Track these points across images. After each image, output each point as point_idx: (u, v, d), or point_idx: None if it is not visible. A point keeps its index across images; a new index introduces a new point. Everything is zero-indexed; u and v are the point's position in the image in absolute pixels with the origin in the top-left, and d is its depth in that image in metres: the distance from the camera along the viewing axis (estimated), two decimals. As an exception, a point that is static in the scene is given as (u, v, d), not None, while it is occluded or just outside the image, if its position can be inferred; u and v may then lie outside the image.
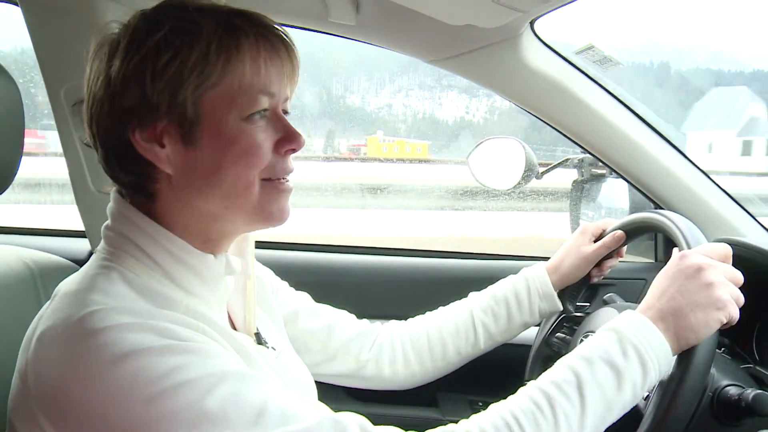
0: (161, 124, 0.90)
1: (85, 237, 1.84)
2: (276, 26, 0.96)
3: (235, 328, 1.07)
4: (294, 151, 0.97)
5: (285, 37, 0.96)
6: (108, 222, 0.97)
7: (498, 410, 0.93)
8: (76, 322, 0.82)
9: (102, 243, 0.96)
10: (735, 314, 1.00)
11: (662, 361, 0.98)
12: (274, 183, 0.96)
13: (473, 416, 0.93)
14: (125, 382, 0.79)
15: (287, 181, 0.98)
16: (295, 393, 0.96)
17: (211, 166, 0.91)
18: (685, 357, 0.99)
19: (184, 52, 0.88)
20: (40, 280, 1.36)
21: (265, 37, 0.93)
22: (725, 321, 1.00)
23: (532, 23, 1.47)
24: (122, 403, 0.78)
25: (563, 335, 1.43)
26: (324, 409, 0.89)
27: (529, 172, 1.81)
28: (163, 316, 0.86)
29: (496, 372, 1.44)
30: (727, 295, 1.00)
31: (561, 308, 1.40)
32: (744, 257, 1.15)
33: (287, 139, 0.96)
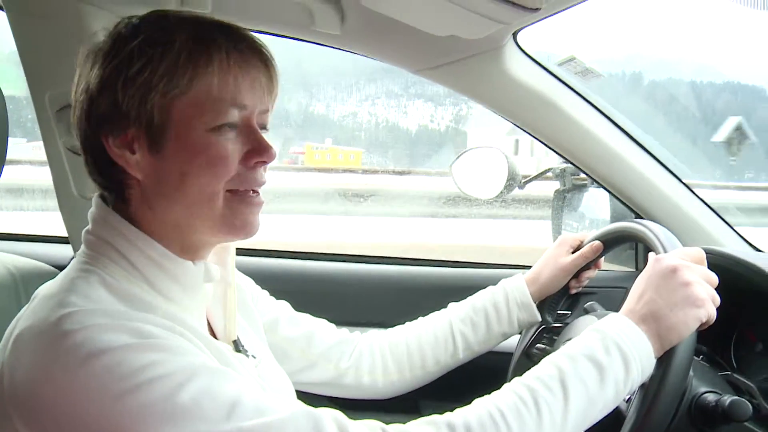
0: (132, 132, 0.92)
1: (68, 243, 1.83)
2: (255, 39, 0.97)
3: (215, 337, 1.07)
4: (264, 163, 0.98)
5: (263, 50, 0.97)
6: (89, 226, 0.98)
7: (483, 404, 0.94)
8: (53, 323, 0.83)
9: (83, 247, 0.97)
10: (713, 312, 1.02)
11: (644, 360, 0.99)
12: (239, 195, 0.97)
13: (458, 409, 0.94)
14: (98, 378, 0.79)
15: (256, 194, 0.99)
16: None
17: (177, 175, 0.93)
18: (665, 357, 1.01)
19: (155, 60, 0.90)
20: (22, 286, 1.36)
21: (238, 50, 0.94)
22: (704, 319, 1.01)
23: (515, 35, 1.48)
24: (95, 400, 0.79)
25: (543, 346, 1.44)
26: (299, 403, 0.90)
27: (512, 182, 1.83)
28: (140, 318, 0.86)
29: (479, 380, 1.44)
30: (704, 293, 1.02)
31: (540, 319, 1.41)
32: (722, 266, 1.16)
33: (256, 152, 0.96)
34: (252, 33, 0.98)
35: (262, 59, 0.97)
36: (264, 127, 1.00)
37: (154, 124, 0.91)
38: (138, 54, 0.90)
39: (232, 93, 0.93)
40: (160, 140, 0.92)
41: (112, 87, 0.91)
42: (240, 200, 0.96)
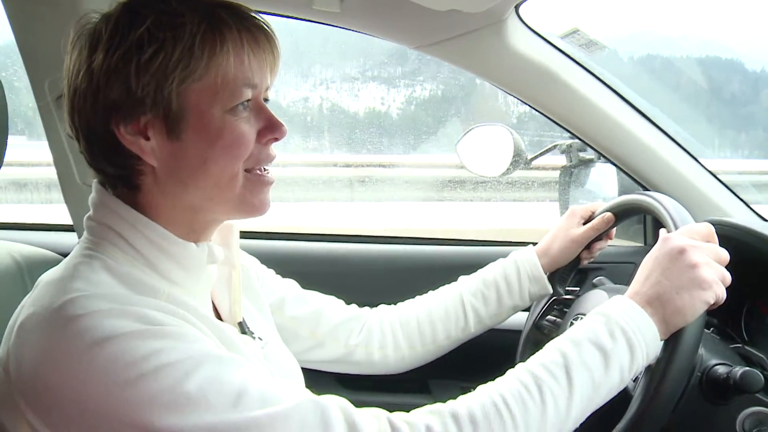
0: (146, 118, 0.90)
1: (73, 231, 1.83)
2: (260, 17, 0.97)
3: (221, 319, 1.07)
4: (276, 140, 0.99)
5: (267, 27, 0.97)
6: (90, 212, 0.97)
7: (486, 391, 0.93)
8: (56, 309, 0.83)
9: (85, 233, 0.97)
10: (721, 294, 1.00)
11: (650, 344, 0.98)
12: (256, 174, 0.98)
13: (461, 397, 0.93)
14: (103, 366, 0.79)
15: (268, 172, 1.00)
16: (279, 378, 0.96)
17: (197, 159, 0.92)
18: (672, 339, 0.99)
19: (168, 46, 0.88)
20: (28, 274, 1.36)
21: (248, 29, 0.94)
22: (712, 302, 1.00)
23: (517, 8, 1.46)
24: (101, 388, 0.79)
25: (554, 318, 1.43)
26: (305, 392, 0.89)
27: (518, 159, 1.81)
28: (143, 303, 0.86)
29: (487, 358, 1.44)
30: (712, 275, 1.00)
31: (551, 291, 1.41)
32: (731, 237, 1.15)
33: (269, 129, 0.97)
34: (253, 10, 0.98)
35: (267, 37, 0.96)
36: (267, 100, 1.00)
37: (172, 110, 0.90)
38: (149, 39, 0.88)
39: (246, 73, 0.93)
40: (178, 126, 0.91)
41: (122, 75, 0.88)
42: (256, 179, 0.97)
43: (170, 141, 0.92)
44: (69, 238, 1.87)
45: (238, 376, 0.84)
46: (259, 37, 0.95)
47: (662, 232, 1.10)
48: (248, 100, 0.95)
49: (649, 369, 1.01)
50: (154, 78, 0.89)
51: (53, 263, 0.98)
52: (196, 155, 0.92)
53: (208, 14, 0.91)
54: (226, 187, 0.95)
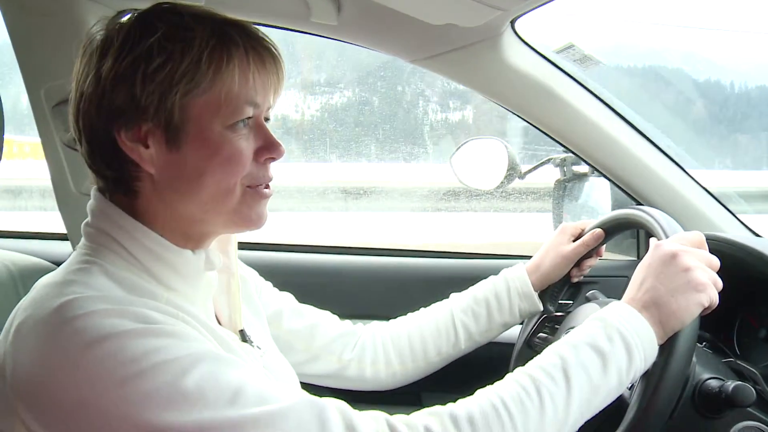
0: (147, 126, 0.92)
1: (66, 240, 1.83)
2: (267, 37, 0.98)
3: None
4: (273, 159, 0.99)
5: (274, 49, 0.98)
6: (88, 219, 0.97)
7: (485, 394, 0.94)
8: (54, 310, 0.83)
9: (82, 240, 0.97)
10: (715, 297, 1.02)
11: (647, 347, 0.99)
12: (255, 189, 0.98)
13: (460, 400, 0.93)
14: (100, 364, 0.79)
15: (267, 188, 1.00)
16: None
17: (194, 171, 0.93)
18: (667, 344, 1.00)
19: (176, 57, 0.90)
20: (21, 282, 1.36)
21: (255, 49, 0.95)
22: (706, 304, 1.01)
23: (513, 23, 1.47)
24: (98, 386, 0.79)
25: (545, 335, 1.43)
26: (303, 393, 0.90)
27: (512, 172, 1.82)
28: (141, 303, 0.87)
29: (480, 371, 1.44)
30: (705, 277, 1.01)
31: (541, 308, 1.41)
32: (722, 251, 1.15)
33: (267, 148, 0.98)
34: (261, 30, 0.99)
35: (273, 58, 0.98)
36: (267, 119, 1.01)
37: (173, 121, 0.91)
38: (158, 49, 0.90)
39: (249, 91, 0.94)
40: (178, 137, 0.92)
41: (128, 81, 0.90)
42: (255, 194, 0.98)
43: (169, 151, 0.93)
44: (63, 247, 1.86)
45: (235, 374, 0.84)
46: (266, 57, 0.96)
47: (653, 240, 1.10)
48: (249, 118, 0.96)
49: (645, 375, 1.01)
50: (159, 87, 0.90)
51: (46, 272, 0.98)
52: (194, 167, 0.93)
53: (217, 31, 0.93)
54: (222, 200, 0.95)
